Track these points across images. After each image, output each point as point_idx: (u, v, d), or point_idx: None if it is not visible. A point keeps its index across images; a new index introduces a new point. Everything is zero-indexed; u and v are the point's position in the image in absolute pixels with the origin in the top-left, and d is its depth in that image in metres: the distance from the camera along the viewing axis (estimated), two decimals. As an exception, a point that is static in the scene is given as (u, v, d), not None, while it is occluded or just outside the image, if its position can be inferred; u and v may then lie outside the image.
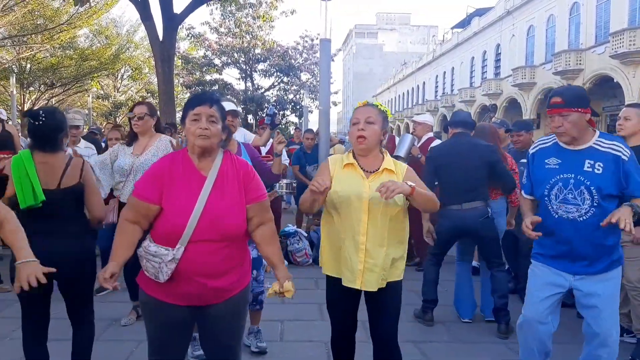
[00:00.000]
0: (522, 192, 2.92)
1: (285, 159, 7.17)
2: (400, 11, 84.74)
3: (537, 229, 2.65)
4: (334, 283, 2.56)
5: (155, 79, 15.13)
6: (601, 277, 2.59)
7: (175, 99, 10.41)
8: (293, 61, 23.12)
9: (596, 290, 2.58)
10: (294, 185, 6.38)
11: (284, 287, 2.17)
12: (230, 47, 22.57)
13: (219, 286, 2.10)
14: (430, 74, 48.20)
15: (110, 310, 4.18)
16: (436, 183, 4.18)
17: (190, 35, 22.44)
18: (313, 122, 19.08)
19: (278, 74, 23.73)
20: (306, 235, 6.42)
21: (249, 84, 24.26)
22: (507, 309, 3.99)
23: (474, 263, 5.22)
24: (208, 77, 24.05)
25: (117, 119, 30.88)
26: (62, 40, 22.37)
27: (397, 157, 5.49)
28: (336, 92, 26.92)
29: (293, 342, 3.78)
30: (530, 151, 2.81)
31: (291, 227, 6.44)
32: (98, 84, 31.44)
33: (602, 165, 2.51)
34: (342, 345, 2.71)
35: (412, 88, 54.28)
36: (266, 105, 22.89)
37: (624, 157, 2.51)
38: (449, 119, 4.54)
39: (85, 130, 7.32)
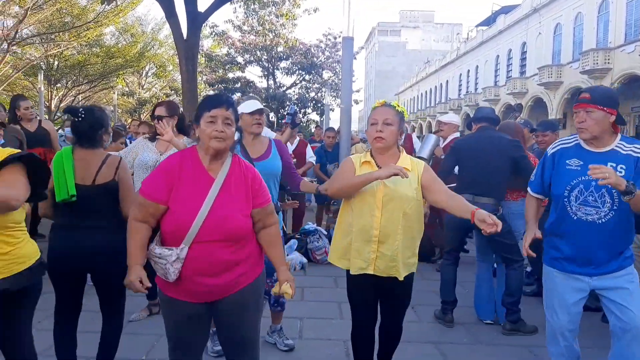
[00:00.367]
0: (530, 189, 2.87)
1: (311, 157, 7.18)
2: (424, 9, 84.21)
3: (554, 230, 2.68)
4: (351, 275, 2.67)
5: (179, 77, 15.30)
6: (616, 274, 2.58)
7: (199, 97, 10.51)
8: (315, 59, 23.16)
9: (616, 284, 2.57)
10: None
11: (282, 289, 2.24)
12: (253, 45, 22.70)
13: (226, 282, 2.13)
14: (454, 73, 47.69)
15: (132, 304, 4.24)
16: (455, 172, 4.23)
17: (213, 33, 22.64)
18: (334, 120, 19.07)
19: (300, 72, 23.81)
20: (326, 233, 6.42)
21: (271, 81, 24.39)
22: (515, 308, 3.93)
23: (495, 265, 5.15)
24: (231, 75, 24.24)
25: (142, 115, 31.34)
26: (88, 38, 22.79)
27: (419, 159, 5.45)
28: (358, 91, 26.85)
29: (312, 340, 3.78)
30: (550, 150, 2.76)
31: (311, 225, 6.45)
32: (123, 81, 31.96)
33: (624, 167, 2.49)
34: (362, 338, 2.76)
35: (435, 86, 53.80)
36: (288, 103, 22.96)
37: None
38: (474, 114, 4.49)
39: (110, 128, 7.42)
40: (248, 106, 3.30)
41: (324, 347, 3.66)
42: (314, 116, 25.58)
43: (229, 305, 2.18)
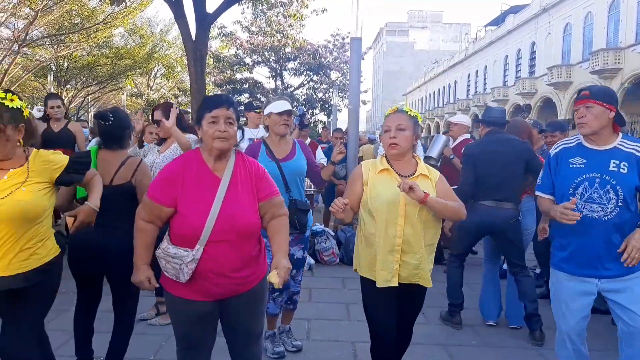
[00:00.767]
0: (540, 192, 2.82)
1: (322, 158, 7.18)
2: (432, 9, 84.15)
3: (560, 230, 2.67)
4: (370, 285, 2.60)
5: (188, 78, 15.35)
6: (626, 277, 2.56)
7: (207, 97, 10.54)
8: (323, 60, 23.14)
9: (625, 287, 2.55)
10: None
11: (270, 276, 2.08)
12: (261, 46, 22.74)
13: (237, 281, 2.14)
14: (462, 73, 47.48)
15: (139, 304, 4.26)
16: None
17: (221, 34, 22.70)
18: (342, 120, 19.06)
19: (308, 72, 23.81)
20: (333, 234, 6.41)
21: (278, 82, 24.40)
22: (539, 313, 3.89)
23: (505, 267, 5.12)
24: (239, 76, 24.29)
25: (150, 116, 31.45)
26: (98, 40, 22.97)
27: (428, 158, 5.44)
28: (366, 91, 26.81)
29: (320, 341, 3.78)
30: (553, 151, 2.77)
31: (319, 226, 6.44)
32: (132, 82, 32.13)
33: (627, 165, 2.52)
34: (382, 348, 2.64)
35: (444, 87, 53.59)
36: (295, 104, 22.98)
37: None
38: (482, 114, 4.40)
39: None
40: (277, 106, 3.32)
41: (331, 348, 3.65)
42: (322, 117, 25.58)
43: (239, 303, 2.20)
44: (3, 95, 2.14)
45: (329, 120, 21.81)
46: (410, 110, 2.65)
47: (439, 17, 75.67)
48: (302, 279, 3.56)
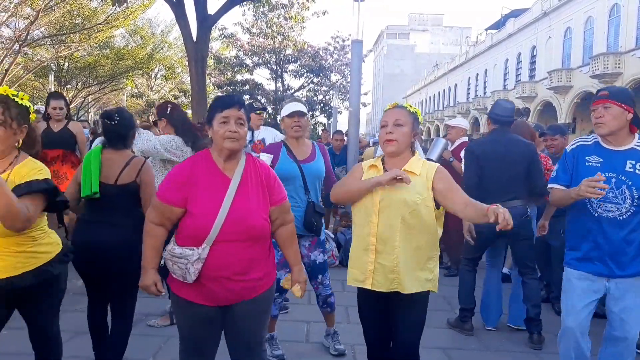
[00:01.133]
0: (555, 184, 2.79)
1: None
2: (433, 12, 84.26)
3: (575, 229, 2.68)
4: (361, 295, 2.53)
5: (188, 79, 15.37)
6: (633, 280, 2.61)
7: (207, 99, 10.54)
8: (323, 62, 23.13)
9: (627, 295, 2.62)
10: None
11: (292, 290, 2.29)
12: (262, 48, 22.72)
13: (243, 285, 2.13)
14: (463, 76, 47.53)
15: (139, 305, 4.24)
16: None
17: (222, 35, 22.70)
18: (342, 123, 19.09)
19: (308, 74, 23.78)
20: (333, 236, 6.39)
21: (279, 84, 24.39)
22: (540, 318, 3.88)
23: (505, 270, 5.11)
24: (239, 77, 24.28)
25: (150, 117, 31.49)
26: (99, 40, 22.96)
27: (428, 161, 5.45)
28: (366, 93, 26.81)
29: (319, 344, 3.77)
30: (569, 148, 2.79)
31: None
32: (132, 82, 32.13)
33: None
34: (372, 354, 2.60)
35: (444, 90, 53.64)
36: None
37: None
38: (490, 109, 4.27)
39: None
40: (287, 109, 3.34)
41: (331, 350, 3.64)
42: (322, 119, 25.58)
43: (244, 311, 2.18)
44: (15, 92, 2.17)
45: (329, 122, 21.80)
46: (411, 106, 2.52)
47: (439, 20, 75.82)
48: (329, 280, 3.55)
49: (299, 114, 3.31)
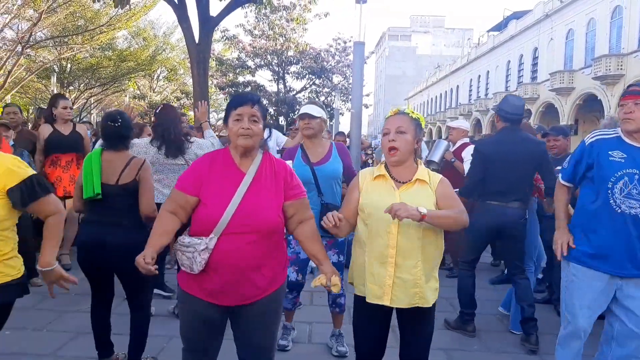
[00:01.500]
0: (560, 177, 2.83)
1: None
2: (434, 14, 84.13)
3: (589, 224, 2.65)
4: (362, 304, 2.40)
5: (190, 80, 15.38)
6: None
7: (209, 100, 10.56)
8: (325, 63, 23.16)
9: (637, 292, 2.58)
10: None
11: (332, 281, 2.19)
12: (264, 50, 22.77)
13: (252, 283, 2.12)
14: (465, 78, 47.53)
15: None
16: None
17: (224, 37, 22.75)
18: (344, 124, 19.07)
19: (310, 76, 23.81)
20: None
21: (281, 86, 24.42)
22: (536, 318, 3.84)
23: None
24: (241, 79, 24.32)
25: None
26: (101, 42, 23.01)
27: (430, 162, 5.45)
28: (368, 95, 26.82)
29: (321, 344, 3.77)
30: (588, 140, 2.72)
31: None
32: (135, 84, 32.22)
33: None
34: None
35: (446, 91, 53.64)
36: (297, 107, 22.99)
37: None
38: (498, 105, 4.10)
39: None
40: (300, 111, 3.44)
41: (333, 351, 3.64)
42: (324, 120, 25.57)
43: (252, 312, 2.18)
44: None
45: (331, 123, 21.80)
46: (413, 112, 2.44)
47: (441, 22, 75.83)
48: (342, 282, 3.54)
49: (309, 116, 3.37)
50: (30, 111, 26.84)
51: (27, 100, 28.35)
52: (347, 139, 7.75)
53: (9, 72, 19.95)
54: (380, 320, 2.40)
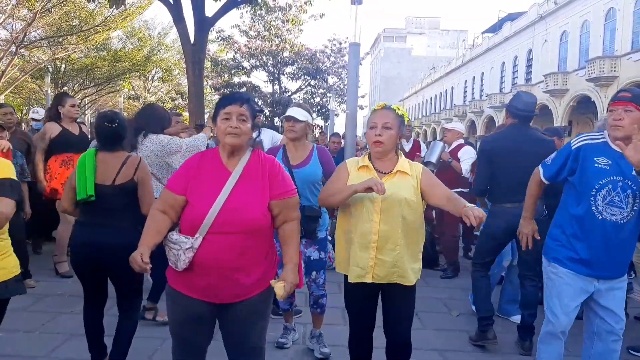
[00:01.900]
0: (542, 172, 2.83)
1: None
2: (430, 15, 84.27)
3: (572, 230, 2.67)
4: (350, 286, 2.63)
5: (185, 81, 15.37)
6: (618, 280, 2.66)
7: (204, 101, 10.55)
8: (321, 65, 23.18)
9: (612, 289, 2.66)
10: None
11: (275, 286, 2.11)
12: (259, 50, 22.77)
13: (238, 282, 2.12)
14: (459, 79, 47.68)
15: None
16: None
17: (220, 37, 22.73)
18: (339, 125, 19.11)
19: (305, 77, 23.83)
20: (330, 238, 6.40)
21: (276, 86, 24.42)
22: (534, 325, 3.80)
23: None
24: (236, 80, 24.30)
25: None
26: (96, 42, 22.95)
27: (427, 163, 5.48)
28: (363, 96, 26.85)
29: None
30: (574, 144, 2.70)
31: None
32: (129, 84, 32.12)
33: None
34: (359, 344, 2.76)
35: (440, 93, 53.79)
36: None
37: None
38: (510, 101, 3.98)
39: None
40: (286, 113, 3.42)
41: (327, 353, 3.65)
42: (319, 121, 25.60)
43: (240, 311, 2.18)
44: None
45: (326, 124, 21.81)
46: (398, 109, 2.63)
47: (436, 23, 76.09)
48: (324, 281, 3.54)
49: (293, 119, 3.37)
50: (24, 111, 26.75)
51: (21, 101, 28.23)
52: (342, 140, 7.77)
53: (3, 72, 19.86)
54: (367, 297, 2.63)
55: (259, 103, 22.49)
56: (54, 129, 5.09)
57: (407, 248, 2.53)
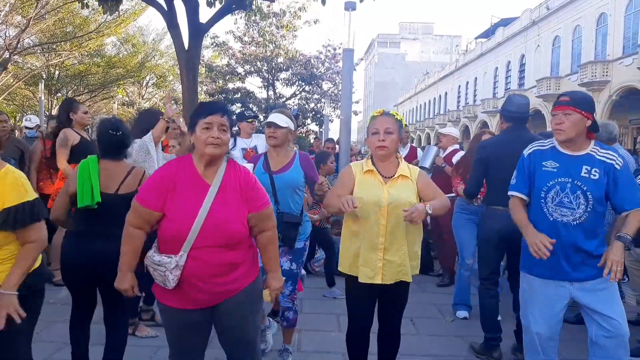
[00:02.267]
0: (516, 192, 2.80)
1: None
2: (423, 21, 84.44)
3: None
4: (352, 281, 2.77)
5: (179, 87, 15.36)
6: (596, 282, 2.60)
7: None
8: (315, 70, 23.25)
9: (597, 294, 2.61)
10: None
11: (263, 293, 2.34)
12: (254, 56, 22.82)
13: (225, 286, 2.14)
14: (453, 84, 47.90)
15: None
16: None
17: (214, 43, 22.76)
18: (333, 131, 19.14)
19: (300, 82, 23.90)
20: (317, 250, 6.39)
21: (270, 92, 24.47)
22: None
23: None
24: (231, 85, 24.34)
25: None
26: (90, 48, 22.89)
27: (422, 168, 5.48)
28: (357, 102, 26.94)
29: (310, 352, 3.76)
30: (526, 152, 2.79)
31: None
32: (124, 91, 32.05)
33: (598, 171, 2.57)
34: (358, 338, 2.87)
35: (434, 98, 54.00)
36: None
37: (617, 165, 2.57)
38: (502, 105, 3.96)
39: None
40: (268, 118, 3.40)
41: (322, 359, 3.63)
42: (314, 127, 25.64)
43: (230, 308, 2.19)
44: None
45: (321, 130, 21.85)
46: (396, 114, 2.79)
47: (430, 29, 76.41)
48: (291, 293, 3.42)
49: (275, 125, 3.34)
50: (17, 118, 26.62)
51: (15, 108, 28.10)
52: (337, 146, 7.79)
53: (-4, 78, 19.77)
54: (370, 295, 2.79)
55: (254, 109, 22.52)
56: (74, 136, 4.89)
57: (410, 247, 2.73)
